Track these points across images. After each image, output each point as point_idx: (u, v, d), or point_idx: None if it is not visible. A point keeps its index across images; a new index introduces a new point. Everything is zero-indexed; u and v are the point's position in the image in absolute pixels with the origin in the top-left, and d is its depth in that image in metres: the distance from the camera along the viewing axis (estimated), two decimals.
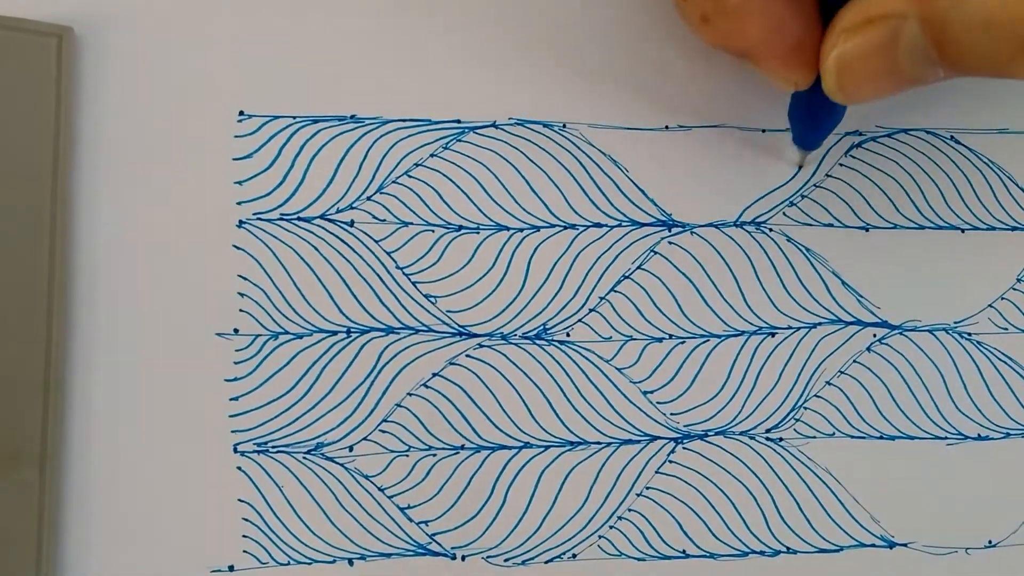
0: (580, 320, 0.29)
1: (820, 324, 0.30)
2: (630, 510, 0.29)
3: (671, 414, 0.29)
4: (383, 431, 0.28)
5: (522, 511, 0.28)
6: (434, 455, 0.28)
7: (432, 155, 0.29)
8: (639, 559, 0.29)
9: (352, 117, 0.29)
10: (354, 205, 0.29)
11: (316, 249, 0.28)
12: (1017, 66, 0.23)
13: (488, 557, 0.28)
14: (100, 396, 0.27)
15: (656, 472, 0.29)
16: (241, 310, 0.28)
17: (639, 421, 0.29)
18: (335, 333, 0.28)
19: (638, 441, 0.29)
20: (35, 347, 0.26)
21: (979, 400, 0.30)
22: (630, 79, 0.30)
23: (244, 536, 0.27)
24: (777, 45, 0.26)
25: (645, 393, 0.29)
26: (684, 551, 0.29)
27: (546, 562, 0.28)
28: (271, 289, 0.28)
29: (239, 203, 0.28)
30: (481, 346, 0.29)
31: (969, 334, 0.31)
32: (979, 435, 0.30)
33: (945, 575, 0.30)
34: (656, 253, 0.30)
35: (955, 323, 0.31)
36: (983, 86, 0.32)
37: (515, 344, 0.29)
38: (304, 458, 0.28)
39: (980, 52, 0.23)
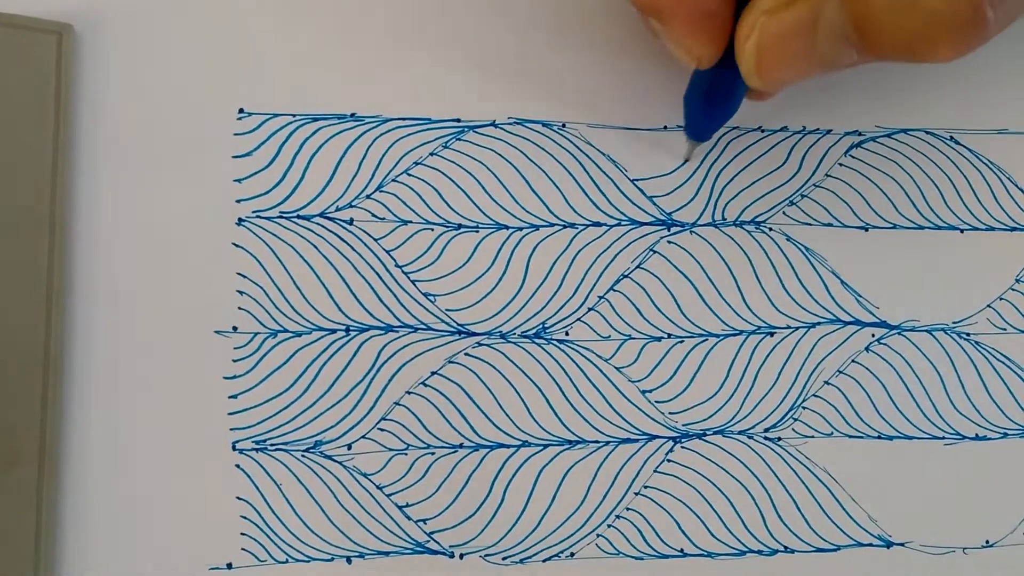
0: (579, 319, 0.29)
1: (819, 324, 0.30)
2: (628, 509, 0.29)
3: (669, 413, 0.29)
4: (382, 429, 0.28)
5: (520, 510, 0.28)
6: (432, 453, 0.28)
7: (432, 154, 0.29)
8: (637, 558, 0.29)
9: (352, 115, 0.29)
10: (353, 203, 0.29)
11: (315, 247, 0.28)
12: (937, 49, 0.23)
13: (486, 555, 0.28)
14: (98, 394, 0.27)
15: (654, 471, 0.29)
16: (240, 308, 0.28)
17: (637, 420, 0.29)
18: (334, 331, 0.28)
19: (636, 440, 0.29)
20: (34, 345, 0.26)
21: (977, 400, 0.30)
22: (629, 79, 0.30)
23: (242, 534, 0.27)
24: (691, 5, 0.25)
25: (644, 392, 0.29)
26: (682, 550, 0.29)
27: (544, 561, 0.28)
28: (270, 287, 0.28)
29: (238, 201, 0.28)
30: (480, 345, 0.29)
31: (967, 334, 0.31)
32: (977, 435, 0.30)
33: (942, 575, 0.30)
34: (655, 252, 0.30)
35: (954, 323, 0.31)
36: (983, 86, 0.32)
37: (514, 343, 0.29)
38: (303, 456, 0.28)
39: (900, 32, 0.23)
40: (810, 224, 0.31)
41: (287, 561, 0.27)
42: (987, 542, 0.30)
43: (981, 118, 0.32)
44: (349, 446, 0.28)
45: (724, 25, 0.25)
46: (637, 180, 0.30)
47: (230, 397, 0.28)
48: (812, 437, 0.30)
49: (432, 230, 0.29)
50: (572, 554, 0.29)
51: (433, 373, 0.29)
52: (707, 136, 0.29)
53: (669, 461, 0.29)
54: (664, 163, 0.30)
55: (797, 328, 0.30)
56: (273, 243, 0.28)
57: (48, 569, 0.26)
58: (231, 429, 0.28)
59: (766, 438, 0.30)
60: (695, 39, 0.25)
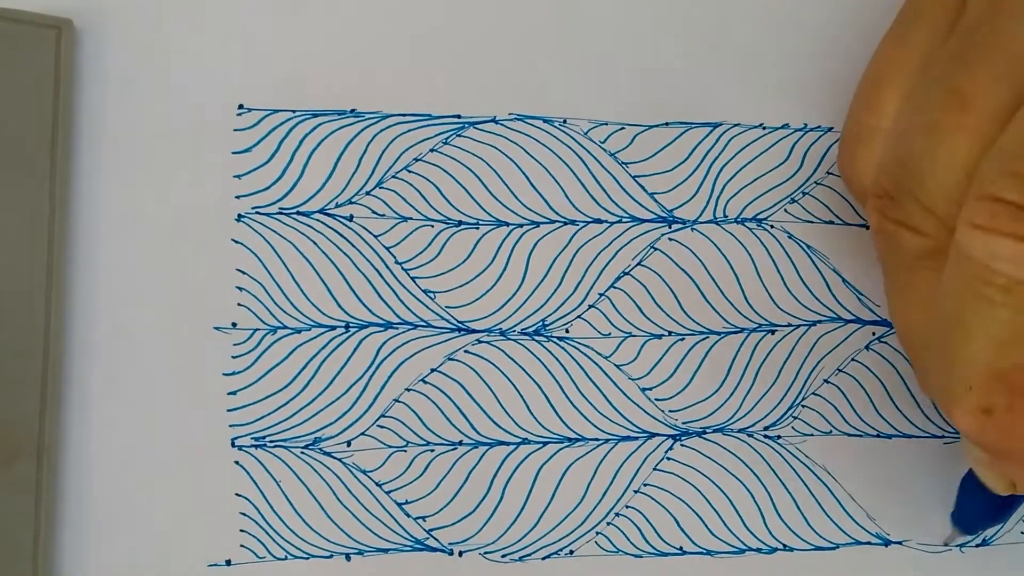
0: (579, 316, 0.29)
1: (820, 322, 0.30)
2: (628, 507, 0.29)
3: (669, 411, 0.29)
4: (381, 426, 0.28)
5: (520, 507, 0.28)
6: (432, 451, 0.28)
7: (432, 150, 0.29)
8: (636, 556, 0.29)
9: (352, 111, 0.29)
10: (353, 200, 0.29)
11: (315, 244, 0.28)
12: None
13: (485, 553, 0.28)
14: (98, 390, 0.27)
15: (654, 469, 0.29)
16: (239, 304, 0.28)
17: (637, 418, 0.29)
18: (333, 328, 0.28)
19: (636, 438, 0.29)
20: (33, 340, 0.26)
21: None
22: (630, 75, 0.30)
23: (241, 531, 0.27)
24: None
25: (644, 390, 0.29)
26: (681, 548, 0.29)
27: (543, 558, 0.28)
28: (269, 283, 0.28)
29: (238, 197, 0.28)
30: (480, 342, 0.29)
31: None
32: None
33: (939, 573, 0.30)
34: (656, 249, 0.30)
35: None
36: None
37: (514, 340, 0.29)
38: (302, 453, 0.28)
39: None
40: (811, 222, 0.31)
41: (286, 558, 0.27)
42: (984, 540, 0.30)
43: None
44: (348, 443, 0.28)
45: None
46: (638, 177, 0.30)
47: (229, 394, 0.28)
48: (811, 435, 0.30)
49: (432, 227, 0.29)
50: (571, 552, 0.29)
51: (433, 370, 0.29)
52: (975, 532, 0.29)
53: (669, 459, 0.29)
54: (665, 160, 0.30)
55: (798, 326, 0.30)
56: (273, 239, 0.28)
57: (47, 565, 0.26)
58: (230, 426, 0.28)
59: (766, 436, 0.30)
60: None
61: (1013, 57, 0.22)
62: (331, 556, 0.28)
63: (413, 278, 0.29)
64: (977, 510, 0.28)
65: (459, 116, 0.29)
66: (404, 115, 0.29)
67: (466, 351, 0.29)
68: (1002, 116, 0.22)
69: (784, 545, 0.29)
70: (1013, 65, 0.22)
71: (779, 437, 0.30)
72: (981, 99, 0.22)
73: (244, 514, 0.27)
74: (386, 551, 0.28)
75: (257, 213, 0.28)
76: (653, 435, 0.29)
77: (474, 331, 0.29)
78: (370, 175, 0.29)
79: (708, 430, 0.29)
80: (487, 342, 0.29)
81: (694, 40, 0.30)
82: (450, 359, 0.29)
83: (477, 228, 0.29)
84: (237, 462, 0.28)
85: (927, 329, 0.24)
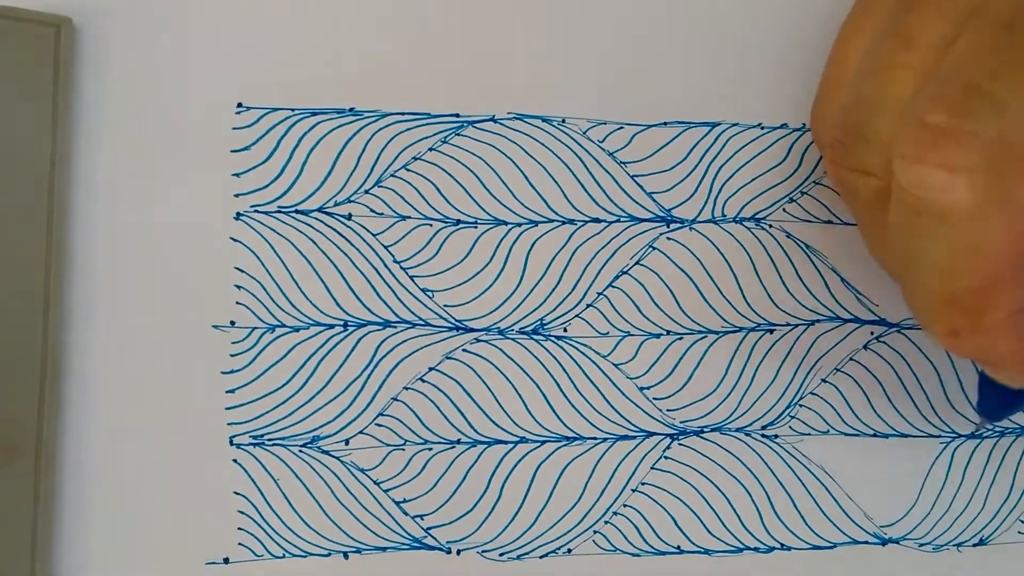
0: (577, 315, 0.29)
1: (818, 321, 0.30)
2: (625, 505, 0.29)
3: (667, 410, 0.29)
4: (379, 425, 0.28)
5: (517, 506, 0.29)
6: (430, 449, 0.28)
7: (430, 149, 0.29)
8: (634, 554, 0.29)
9: (351, 110, 0.29)
10: (352, 198, 0.29)
11: (313, 242, 0.28)
12: None
13: (483, 551, 0.28)
14: (96, 388, 0.27)
15: (651, 468, 0.29)
16: (238, 303, 0.28)
17: (635, 417, 0.29)
18: (332, 326, 0.28)
19: (634, 437, 0.29)
20: (32, 338, 0.26)
21: (974, 399, 0.30)
22: (629, 74, 0.30)
23: (239, 529, 0.27)
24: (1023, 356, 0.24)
25: (641, 389, 0.29)
26: (679, 547, 0.29)
27: (541, 557, 0.28)
28: (268, 282, 0.28)
29: (237, 195, 0.28)
30: (478, 341, 0.29)
31: None
32: (973, 433, 0.30)
33: (937, 572, 0.30)
34: (654, 249, 0.30)
35: None
36: None
37: (512, 339, 0.29)
38: (300, 451, 0.28)
39: None
40: (810, 221, 0.31)
41: (284, 556, 0.28)
42: (982, 540, 0.30)
43: None
44: (346, 441, 0.28)
45: None
46: (637, 176, 0.30)
47: (227, 392, 0.28)
48: (809, 435, 0.30)
49: (430, 226, 0.29)
50: (569, 550, 0.29)
51: (431, 369, 0.29)
52: (1000, 419, 0.29)
53: (666, 458, 0.29)
54: (664, 159, 0.30)
55: (796, 325, 0.30)
56: (271, 238, 0.28)
57: (45, 563, 0.26)
58: (228, 424, 0.28)
59: (763, 435, 0.30)
60: None
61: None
62: (329, 554, 0.28)
63: (411, 277, 0.29)
64: (997, 401, 0.28)
65: (458, 115, 0.29)
66: (403, 114, 0.29)
67: (464, 350, 0.29)
68: (944, 54, 0.23)
69: (781, 544, 0.29)
70: (956, 6, 0.23)
71: (777, 436, 0.30)
72: (925, 38, 0.23)
73: (242, 512, 0.28)
74: (384, 549, 0.28)
75: (256, 211, 0.28)
76: (651, 434, 0.29)
77: (472, 330, 0.29)
78: (369, 174, 0.29)
79: (706, 429, 0.29)
80: (485, 341, 0.29)
81: (693, 40, 0.30)
82: (448, 358, 0.29)
83: (475, 227, 0.29)
84: (235, 460, 0.28)
85: (892, 266, 0.25)
